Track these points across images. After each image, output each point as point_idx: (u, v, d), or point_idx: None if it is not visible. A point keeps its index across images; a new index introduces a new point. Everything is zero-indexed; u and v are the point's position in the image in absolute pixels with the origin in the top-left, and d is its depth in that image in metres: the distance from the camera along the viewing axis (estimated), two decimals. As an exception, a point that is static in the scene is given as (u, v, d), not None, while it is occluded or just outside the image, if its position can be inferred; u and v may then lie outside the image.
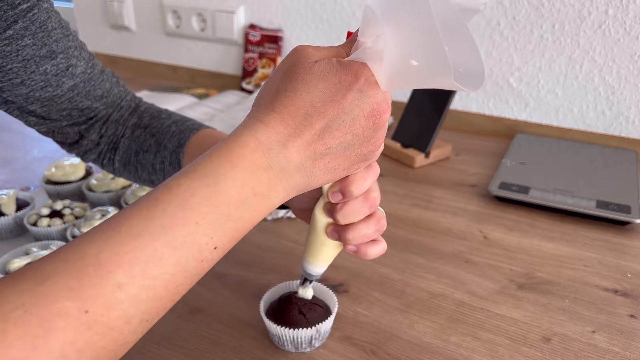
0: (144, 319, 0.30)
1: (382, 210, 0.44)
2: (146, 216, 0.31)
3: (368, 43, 0.36)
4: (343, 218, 0.42)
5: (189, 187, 0.32)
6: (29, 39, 0.49)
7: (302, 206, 0.48)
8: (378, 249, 0.44)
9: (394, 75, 0.35)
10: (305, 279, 0.48)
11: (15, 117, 0.55)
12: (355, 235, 0.42)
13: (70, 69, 0.53)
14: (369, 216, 0.42)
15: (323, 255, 0.45)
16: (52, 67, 0.51)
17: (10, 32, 0.48)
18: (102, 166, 0.62)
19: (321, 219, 0.44)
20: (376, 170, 0.41)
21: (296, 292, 0.52)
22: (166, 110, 0.61)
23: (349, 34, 0.42)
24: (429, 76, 0.34)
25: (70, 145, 0.61)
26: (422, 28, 0.33)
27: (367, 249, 0.44)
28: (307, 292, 0.50)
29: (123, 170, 0.61)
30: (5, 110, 0.55)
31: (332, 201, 0.41)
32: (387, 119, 0.37)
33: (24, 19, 0.48)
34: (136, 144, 0.59)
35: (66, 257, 0.28)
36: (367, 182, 0.40)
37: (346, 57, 0.38)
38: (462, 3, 0.36)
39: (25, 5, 0.48)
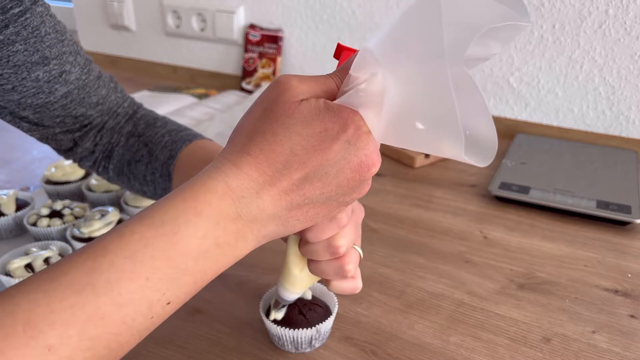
0: None
1: (358, 252, 0.41)
2: (91, 268, 0.27)
3: (361, 82, 0.32)
4: (304, 253, 0.41)
5: (142, 237, 0.29)
6: (21, 45, 0.47)
7: None
8: (346, 286, 0.42)
9: (391, 131, 0.32)
10: (278, 302, 0.47)
11: (8, 122, 0.54)
12: (314, 269, 0.41)
13: (63, 75, 0.51)
14: (333, 259, 0.40)
15: (298, 283, 0.44)
16: (45, 74, 0.49)
17: (1, 37, 0.45)
18: (98, 173, 0.61)
19: (294, 247, 0.42)
20: (340, 222, 0.37)
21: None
22: (163, 118, 0.59)
23: (340, 47, 0.38)
24: (433, 142, 0.31)
25: (66, 152, 0.60)
26: (434, 89, 0.29)
27: (335, 282, 0.42)
28: (278, 315, 0.49)
29: (117, 179, 0.59)
30: None
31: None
32: (375, 171, 0.33)
33: (15, 23, 0.46)
34: (130, 153, 0.57)
35: None
36: (325, 233, 0.37)
37: (337, 90, 0.34)
38: (473, 54, 0.32)
39: (17, 10, 0.46)
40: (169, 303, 0.30)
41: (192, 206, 0.30)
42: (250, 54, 1.29)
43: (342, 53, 0.38)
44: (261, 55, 1.28)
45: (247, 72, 1.31)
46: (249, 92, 1.29)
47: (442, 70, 0.28)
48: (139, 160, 0.56)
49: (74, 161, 0.61)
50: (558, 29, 0.96)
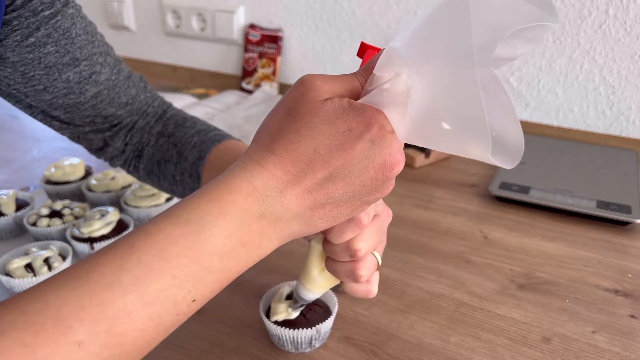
0: None
1: (375, 258, 0.41)
2: (119, 265, 0.28)
3: (385, 81, 0.32)
4: (326, 252, 0.41)
5: (169, 235, 0.29)
6: (52, 47, 0.48)
7: None
8: (359, 289, 0.42)
9: (416, 131, 0.32)
10: (296, 301, 0.47)
11: (40, 120, 0.55)
12: (329, 267, 0.42)
13: (93, 76, 0.52)
14: (349, 261, 0.40)
15: (317, 284, 0.44)
16: (75, 75, 0.50)
17: (32, 39, 0.46)
18: (129, 172, 0.62)
19: (317, 247, 0.43)
20: (360, 223, 0.37)
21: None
22: (192, 118, 0.60)
23: (363, 46, 0.38)
24: (459, 143, 0.31)
25: (97, 151, 0.60)
26: (463, 91, 0.29)
27: (348, 285, 0.42)
28: (293, 314, 0.49)
29: (147, 178, 0.60)
30: (30, 114, 0.55)
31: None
32: (399, 171, 0.33)
33: (46, 25, 0.47)
34: (159, 153, 0.58)
35: (26, 307, 0.26)
36: (345, 234, 0.37)
37: (360, 89, 0.34)
38: (500, 54, 0.31)
39: (48, 12, 0.46)
40: (194, 300, 0.30)
41: (217, 206, 0.30)
42: (250, 54, 1.29)
43: (366, 52, 0.38)
44: (261, 55, 1.28)
45: (247, 72, 1.31)
46: (249, 92, 1.29)
47: (471, 71, 0.28)
48: (168, 160, 0.57)
49: (105, 160, 0.62)
50: (558, 29, 0.96)
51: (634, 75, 0.92)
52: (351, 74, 0.35)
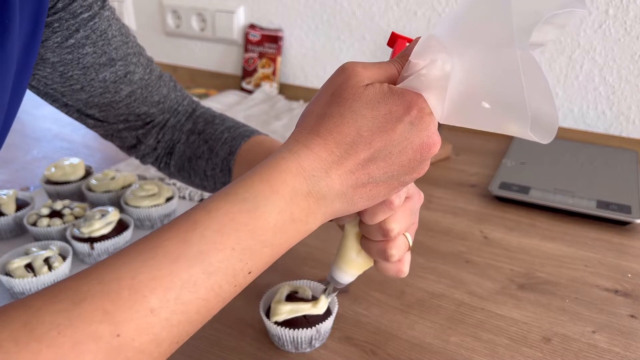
0: (174, 342, 0.30)
1: (406, 239, 0.42)
2: (184, 240, 0.30)
3: (422, 67, 0.34)
4: (362, 231, 0.42)
5: (227, 212, 0.31)
6: (90, 48, 0.50)
7: None
8: (390, 268, 0.43)
9: (455, 112, 0.34)
10: (332, 288, 0.47)
11: (75, 119, 0.57)
12: (363, 245, 0.43)
13: (128, 75, 0.54)
14: (380, 241, 0.41)
15: (355, 265, 0.44)
16: (111, 75, 0.52)
17: (72, 40, 0.48)
18: (160, 169, 0.63)
19: (352, 230, 0.43)
20: (392, 205, 0.38)
21: (296, 292, 0.52)
22: (220, 115, 0.62)
23: (394, 36, 0.40)
24: (499, 121, 0.33)
25: (129, 149, 0.62)
26: (504, 73, 0.31)
27: (380, 263, 0.43)
28: (325, 303, 0.49)
29: (178, 174, 0.62)
30: (66, 113, 0.56)
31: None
32: (436, 151, 0.35)
33: (85, 27, 0.49)
34: (190, 150, 0.60)
35: (102, 277, 0.28)
36: (378, 216, 0.39)
37: (397, 75, 0.36)
38: (533, 39, 0.33)
39: (86, 15, 0.48)
40: (250, 272, 0.32)
41: (268, 185, 0.32)
42: (250, 54, 1.29)
43: (397, 41, 0.41)
44: (261, 55, 1.28)
45: (247, 72, 1.31)
46: (249, 92, 1.29)
47: (512, 55, 0.30)
48: (199, 156, 0.59)
49: (137, 158, 0.63)
50: (558, 29, 0.96)
51: (634, 75, 0.92)
52: (388, 61, 0.37)
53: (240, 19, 1.29)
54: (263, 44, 1.27)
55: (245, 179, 0.33)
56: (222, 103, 1.20)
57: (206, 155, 0.58)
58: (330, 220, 0.38)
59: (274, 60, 1.27)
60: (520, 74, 0.30)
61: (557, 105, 0.99)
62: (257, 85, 1.29)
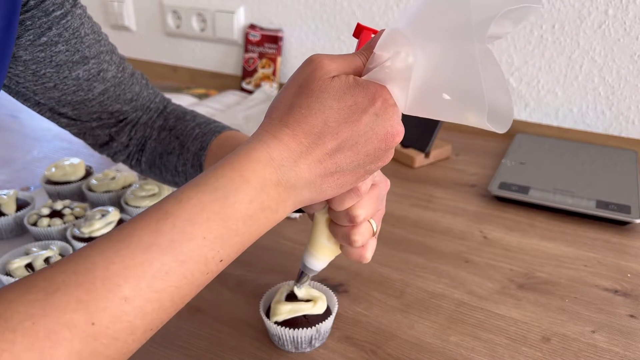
0: (148, 329, 0.31)
1: (370, 225, 0.43)
2: (155, 229, 0.31)
3: (386, 59, 0.35)
4: (331, 216, 0.43)
5: (199, 201, 0.32)
6: (63, 45, 0.50)
7: None
8: (353, 252, 0.44)
9: (417, 103, 0.35)
10: (303, 275, 0.48)
11: (47, 118, 0.57)
12: (331, 230, 0.44)
13: (101, 73, 0.54)
14: (346, 226, 0.42)
15: (325, 250, 0.45)
16: (84, 72, 0.52)
17: (45, 38, 0.48)
18: (131, 167, 0.63)
19: (322, 217, 0.44)
20: (358, 192, 0.40)
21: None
22: (192, 112, 0.62)
23: (360, 27, 0.41)
24: (458, 112, 0.34)
25: (101, 147, 0.62)
26: (463, 66, 0.32)
27: (345, 248, 0.44)
28: (300, 292, 0.49)
29: (149, 171, 0.62)
30: (38, 112, 0.56)
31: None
32: (399, 140, 0.36)
33: (57, 25, 0.49)
34: (161, 146, 0.60)
35: (76, 268, 0.29)
36: (345, 202, 0.40)
37: (363, 67, 0.37)
38: (491, 32, 0.34)
39: (59, 12, 0.48)
40: (221, 260, 0.33)
41: (239, 175, 0.33)
42: (250, 54, 1.29)
43: (362, 32, 0.42)
44: (261, 55, 1.28)
45: (247, 72, 1.31)
46: (249, 92, 1.30)
47: (470, 47, 0.32)
48: (170, 152, 0.59)
49: (108, 156, 0.63)
50: (558, 29, 0.96)
51: (634, 75, 0.92)
52: (353, 53, 0.38)
53: (241, 19, 1.29)
54: (263, 44, 1.27)
55: (217, 168, 0.34)
56: (222, 103, 1.20)
57: (177, 151, 0.58)
58: (300, 209, 0.38)
59: (274, 61, 1.27)
60: (478, 66, 0.31)
61: (556, 105, 1.00)
62: (257, 86, 1.29)
